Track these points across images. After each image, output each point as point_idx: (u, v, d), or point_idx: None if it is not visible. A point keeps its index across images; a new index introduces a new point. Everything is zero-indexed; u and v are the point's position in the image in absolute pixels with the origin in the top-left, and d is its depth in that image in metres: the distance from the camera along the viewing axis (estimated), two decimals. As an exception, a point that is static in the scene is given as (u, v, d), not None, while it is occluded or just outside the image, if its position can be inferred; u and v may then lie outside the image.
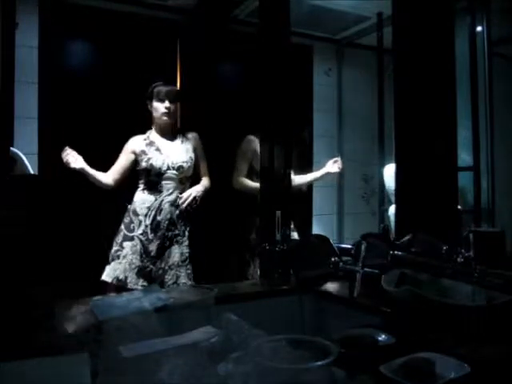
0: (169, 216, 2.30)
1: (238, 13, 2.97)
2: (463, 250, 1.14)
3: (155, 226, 2.27)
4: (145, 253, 2.24)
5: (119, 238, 2.26)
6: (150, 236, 2.25)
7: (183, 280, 2.31)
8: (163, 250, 2.28)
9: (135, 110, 2.86)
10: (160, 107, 2.36)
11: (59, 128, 2.59)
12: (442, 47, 1.49)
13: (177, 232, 2.33)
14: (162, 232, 2.28)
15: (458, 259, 1.13)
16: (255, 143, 2.51)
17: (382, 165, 2.65)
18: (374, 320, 1.10)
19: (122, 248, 2.23)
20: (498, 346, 0.90)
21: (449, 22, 1.51)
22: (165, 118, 2.37)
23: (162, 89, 2.38)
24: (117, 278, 2.19)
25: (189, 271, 2.35)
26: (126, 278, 2.20)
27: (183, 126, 3.02)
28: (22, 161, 2.16)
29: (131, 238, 2.25)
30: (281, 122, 1.97)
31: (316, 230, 3.36)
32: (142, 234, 2.25)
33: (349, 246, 1.31)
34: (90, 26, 2.77)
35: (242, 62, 3.15)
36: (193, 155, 2.43)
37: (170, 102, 2.37)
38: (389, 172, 2.55)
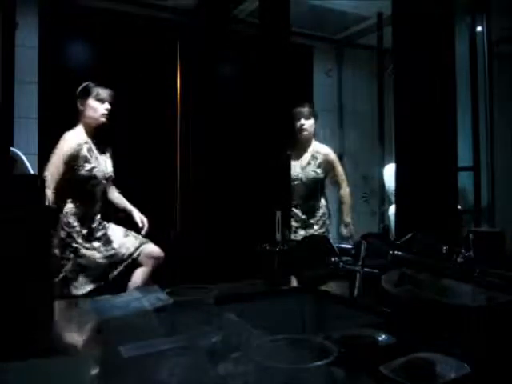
0: (98, 221, 2.34)
1: (237, 13, 2.97)
2: (463, 250, 1.14)
3: (90, 233, 2.30)
4: (97, 252, 2.28)
5: (68, 254, 2.24)
6: (90, 240, 2.29)
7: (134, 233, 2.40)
8: (106, 242, 2.33)
9: (134, 109, 2.86)
10: (100, 108, 2.30)
11: (59, 128, 2.59)
12: (442, 47, 1.49)
13: (102, 226, 2.36)
14: (97, 232, 2.32)
15: (458, 259, 1.13)
16: None
17: (382, 165, 2.65)
18: (374, 320, 1.10)
19: (76, 260, 2.24)
20: (498, 346, 0.90)
21: (449, 22, 1.51)
22: (103, 119, 2.32)
23: (102, 89, 2.32)
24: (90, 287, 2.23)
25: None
26: (100, 283, 2.24)
27: (183, 126, 3.02)
28: (22, 161, 2.16)
29: (75, 250, 2.25)
30: (281, 121, 1.97)
31: (316, 230, 3.35)
32: (83, 243, 2.27)
33: (349, 246, 1.31)
34: (90, 26, 2.77)
35: (242, 62, 3.15)
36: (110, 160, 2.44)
37: (110, 104, 2.33)
38: (389, 172, 2.55)
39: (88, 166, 2.26)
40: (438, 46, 1.49)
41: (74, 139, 2.27)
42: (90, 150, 2.30)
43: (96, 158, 2.31)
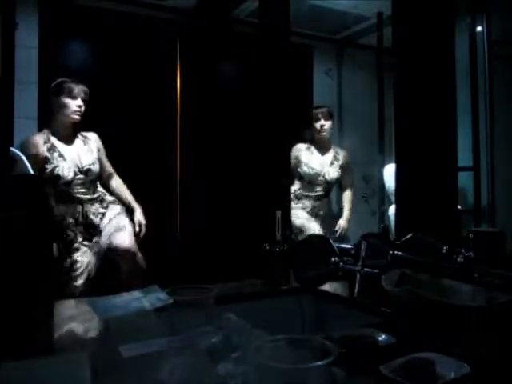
0: (96, 212, 2.32)
1: (238, 13, 2.98)
2: (463, 250, 1.13)
3: (89, 226, 2.29)
4: (96, 246, 2.28)
5: (66, 254, 2.23)
6: (88, 234, 2.28)
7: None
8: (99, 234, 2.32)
9: (134, 109, 2.86)
10: (72, 104, 2.26)
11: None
12: (442, 47, 1.49)
13: (101, 214, 2.35)
14: (95, 223, 2.31)
15: (458, 259, 1.13)
16: (300, 152, 2.75)
17: (382, 165, 2.65)
18: (373, 320, 1.10)
19: (77, 261, 2.22)
20: (498, 346, 0.90)
21: (449, 22, 1.51)
22: (75, 116, 2.28)
23: (75, 86, 2.28)
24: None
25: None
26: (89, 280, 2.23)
27: (184, 124, 3.02)
28: (22, 161, 2.16)
29: (77, 249, 2.24)
30: (281, 121, 1.97)
31: (316, 229, 3.35)
32: (83, 240, 2.26)
33: (349, 246, 1.31)
34: (90, 26, 2.77)
35: (242, 62, 3.15)
36: (97, 156, 2.39)
37: (83, 100, 2.29)
38: (389, 172, 2.56)
39: (49, 167, 2.22)
40: (438, 46, 1.49)
41: (34, 139, 2.25)
42: (50, 149, 2.24)
43: (61, 155, 2.24)
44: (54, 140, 2.27)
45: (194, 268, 2.58)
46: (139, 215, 2.44)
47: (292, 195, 2.64)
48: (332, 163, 2.78)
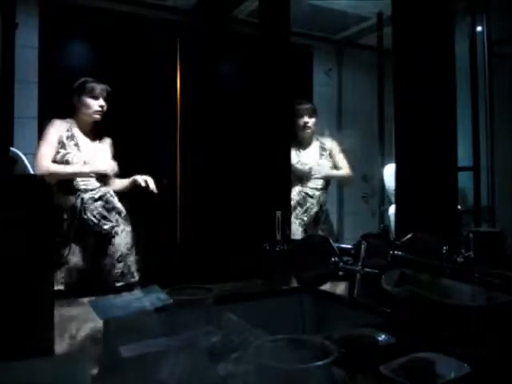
0: (95, 212, 2.24)
1: (237, 13, 2.97)
2: (463, 250, 1.14)
3: (84, 225, 2.21)
4: (85, 253, 2.20)
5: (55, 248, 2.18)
6: (84, 237, 2.21)
7: (133, 269, 2.31)
8: (104, 245, 2.24)
9: (134, 109, 2.86)
10: (94, 104, 2.27)
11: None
12: (442, 47, 1.49)
13: (111, 225, 2.27)
14: (94, 229, 2.22)
15: (458, 259, 1.13)
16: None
17: (382, 165, 2.65)
18: (374, 320, 1.10)
19: (62, 256, 2.15)
20: (498, 346, 0.90)
21: (449, 22, 1.51)
22: (97, 116, 2.29)
23: (97, 86, 2.28)
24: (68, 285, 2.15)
25: (137, 257, 2.35)
26: (78, 281, 2.16)
27: (188, 124, 3.02)
28: (22, 161, 2.16)
29: (65, 244, 2.18)
30: (280, 121, 1.97)
31: (316, 229, 3.35)
32: (75, 236, 2.20)
33: (349, 246, 1.31)
34: (90, 26, 2.77)
35: (242, 62, 3.14)
36: (110, 157, 2.40)
37: (104, 100, 2.30)
38: (389, 172, 2.55)
39: (61, 152, 2.20)
40: (438, 45, 1.49)
41: (59, 123, 2.25)
42: (69, 137, 2.25)
43: (76, 144, 2.24)
44: (75, 130, 2.28)
45: (194, 268, 2.58)
46: (139, 176, 2.38)
47: None
48: (321, 154, 2.73)
